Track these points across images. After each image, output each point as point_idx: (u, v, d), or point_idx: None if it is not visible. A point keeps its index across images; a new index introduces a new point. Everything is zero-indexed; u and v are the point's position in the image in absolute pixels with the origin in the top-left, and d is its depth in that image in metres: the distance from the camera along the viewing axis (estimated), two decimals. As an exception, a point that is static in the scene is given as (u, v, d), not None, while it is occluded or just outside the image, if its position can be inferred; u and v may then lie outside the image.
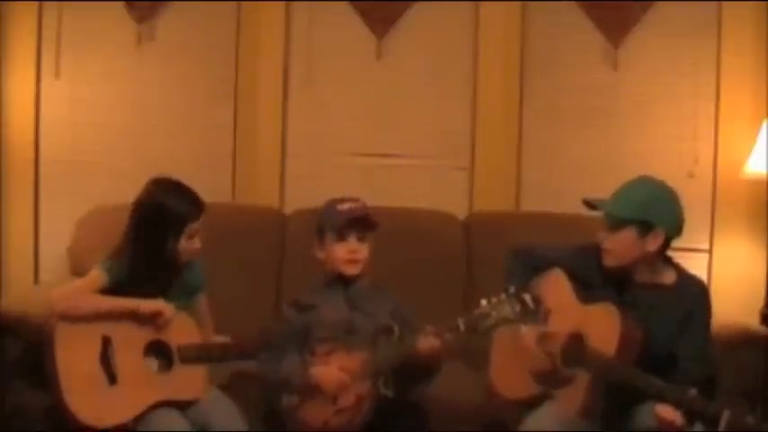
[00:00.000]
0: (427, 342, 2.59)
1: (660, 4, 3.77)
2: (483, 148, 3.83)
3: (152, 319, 2.63)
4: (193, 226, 2.68)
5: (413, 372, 2.66)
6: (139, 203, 2.69)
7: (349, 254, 2.83)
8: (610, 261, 2.60)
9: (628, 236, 2.55)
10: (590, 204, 2.64)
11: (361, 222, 2.85)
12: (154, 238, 2.65)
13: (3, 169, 3.76)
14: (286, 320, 2.83)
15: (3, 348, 2.90)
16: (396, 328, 2.67)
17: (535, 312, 2.55)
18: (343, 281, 2.85)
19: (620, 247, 2.57)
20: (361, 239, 2.84)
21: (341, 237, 2.83)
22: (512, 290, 2.55)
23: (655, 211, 2.56)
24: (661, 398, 2.34)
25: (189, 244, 2.69)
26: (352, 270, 2.84)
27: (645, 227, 2.54)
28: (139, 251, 2.66)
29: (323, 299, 2.84)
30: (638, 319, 2.50)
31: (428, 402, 2.80)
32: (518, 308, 2.53)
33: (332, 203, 2.91)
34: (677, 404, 2.31)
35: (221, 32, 3.85)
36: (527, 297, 2.53)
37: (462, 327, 2.56)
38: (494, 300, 2.55)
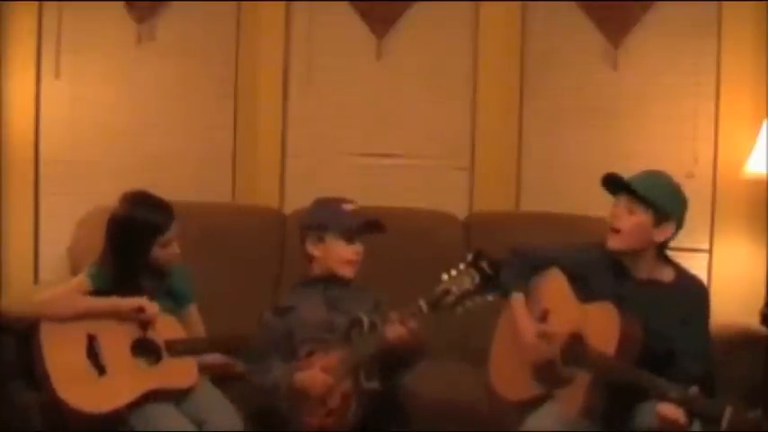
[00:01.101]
0: (393, 330, 2.56)
1: (660, 4, 3.77)
2: (483, 148, 3.83)
3: (134, 316, 2.65)
4: (165, 236, 2.71)
5: (394, 361, 2.64)
6: (112, 218, 2.74)
7: (355, 255, 2.83)
8: (615, 243, 2.58)
9: (643, 219, 2.55)
10: (613, 179, 2.61)
11: (373, 226, 2.85)
12: (127, 251, 2.70)
13: (3, 169, 3.76)
14: (267, 326, 2.82)
15: (2, 348, 2.90)
16: (365, 320, 2.65)
17: (494, 278, 2.50)
18: (324, 281, 2.85)
19: (632, 229, 2.56)
20: (350, 240, 2.86)
21: (350, 239, 2.83)
22: (469, 258, 2.53)
23: (673, 203, 2.58)
24: (663, 396, 2.34)
25: (164, 252, 2.72)
26: (350, 272, 2.84)
27: (661, 215, 2.55)
28: (117, 263, 2.71)
29: (301, 299, 2.83)
30: (637, 316, 2.50)
31: (422, 401, 2.80)
32: (477, 278, 2.49)
33: (334, 203, 2.90)
34: (679, 402, 2.31)
35: (221, 32, 3.85)
36: (484, 264, 2.50)
37: (425, 308, 2.54)
38: (453, 272, 2.53)
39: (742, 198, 3.69)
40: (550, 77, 3.85)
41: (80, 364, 2.59)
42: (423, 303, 2.54)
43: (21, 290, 3.67)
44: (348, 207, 2.87)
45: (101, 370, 2.59)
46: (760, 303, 3.54)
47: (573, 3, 3.80)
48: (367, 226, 2.85)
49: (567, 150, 3.85)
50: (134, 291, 2.69)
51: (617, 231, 2.58)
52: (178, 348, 2.66)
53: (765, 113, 3.62)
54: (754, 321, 3.46)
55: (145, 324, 2.66)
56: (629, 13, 3.76)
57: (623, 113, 3.82)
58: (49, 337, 2.60)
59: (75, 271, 3.38)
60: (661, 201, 2.56)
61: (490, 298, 2.53)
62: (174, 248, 2.74)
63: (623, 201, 2.59)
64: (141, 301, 2.66)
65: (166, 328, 2.69)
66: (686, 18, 3.76)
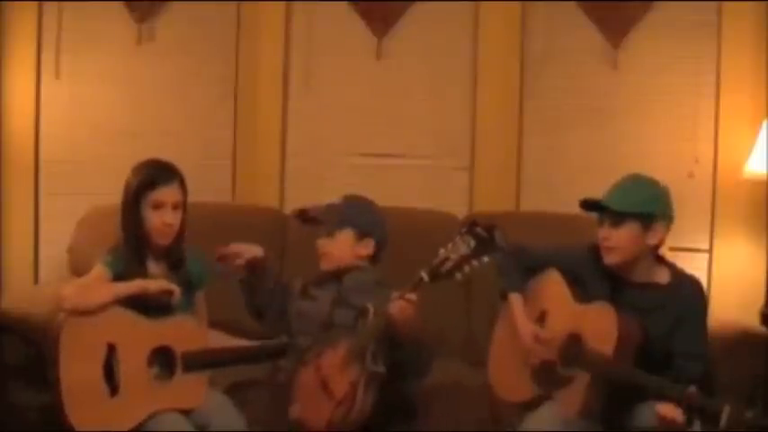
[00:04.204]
0: (396, 306, 2.57)
1: (660, 4, 3.77)
2: (483, 148, 3.83)
3: (162, 298, 2.60)
4: (155, 194, 2.64)
5: (400, 343, 2.64)
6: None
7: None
8: (612, 258, 2.58)
9: (631, 231, 2.54)
10: (589, 204, 2.62)
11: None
12: (126, 214, 2.66)
13: (3, 169, 3.76)
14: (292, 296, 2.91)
15: (2, 348, 2.90)
16: (370, 308, 2.65)
17: (490, 241, 2.53)
18: (335, 275, 2.89)
19: (623, 243, 2.55)
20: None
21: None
22: (464, 229, 2.56)
23: (655, 204, 2.57)
24: (661, 395, 2.34)
25: (157, 216, 2.64)
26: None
27: (646, 221, 2.54)
28: (123, 233, 2.66)
29: (320, 292, 2.89)
30: (635, 318, 2.50)
31: (426, 402, 2.80)
32: (473, 243, 2.53)
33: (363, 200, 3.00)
34: (677, 401, 2.31)
35: (221, 32, 3.85)
36: (478, 229, 2.54)
37: (426, 277, 2.56)
38: (449, 245, 2.56)
39: (742, 198, 3.69)
40: (550, 77, 3.85)
41: (94, 380, 2.52)
42: (423, 274, 2.57)
43: (21, 290, 3.68)
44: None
45: (113, 389, 2.53)
46: (760, 303, 3.55)
47: (573, 3, 3.80)
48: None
49: (567, 150, 3.86)
50: (140, 275, 2.64)
51: (610, 249, 2.58)
52: (194, 363, 2.62)
53: (765, 113, 3.62)
54: (754, 321, 3.46)
55: (171, 307, 2.61)
56: (629, 13, 3.76)
57: (623, 113, 3.82)
58: (68, 342, 2.52)
59: (75, 271, 3.39)
60: (641, 207, 2.54)
61: (486, 260, 2.54)
62: (168, 216, 2.65)
63: (606, 220, 2.58)
64: (170, 285, 2.61)
65: (186, 335, 2.64)
66: (686, 18, 3.77)
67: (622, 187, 2.60)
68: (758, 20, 3.70)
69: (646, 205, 2.55)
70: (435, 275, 2.56)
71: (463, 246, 2.54)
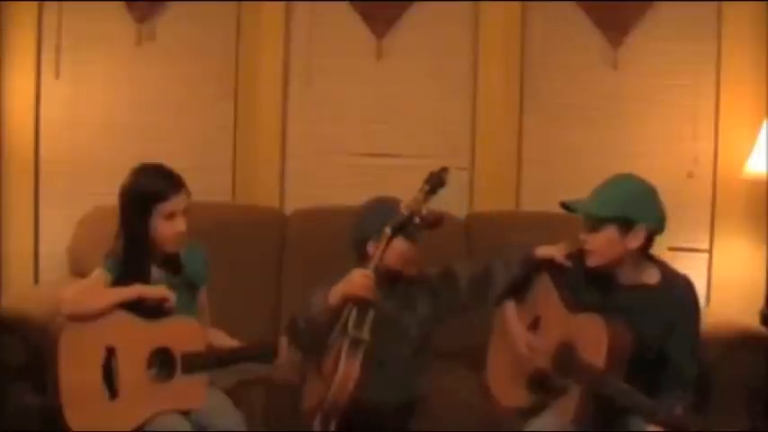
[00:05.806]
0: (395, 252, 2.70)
1: (660, 5, 3.77)
2: (483, 148, 3.83)
3: (158, 305, 2.60)
4: (168, 203, 2.64)
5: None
6: (120, 190, 2.69)
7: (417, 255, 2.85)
8: (593, 261, 2.57)
9: (608, 235, 2.52)
10: (567, 207, 2.62)
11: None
12: (132, 221, 2.64)
13: (2, 169, 3.76)
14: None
15: (2, 349, 2.90)
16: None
17: (439, 178, 2.69)
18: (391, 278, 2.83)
19: (601, 246, 2.54)
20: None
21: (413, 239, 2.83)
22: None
23: (634, 208, 2.52)
24: (650, 417, 2.32)
25: (169, 226, 2.64)
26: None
27: (625, 224, 2.51)
28: (126, 239, 2.64)
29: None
30: (625, 321, 2.48)
31: (426, 403, 2.80)
32: (426, 187, 2.68)
33: (394, 202, 2.88)
34: (665, 425, 2.29)
35: (221, 32, 3.85)
36: (432, 174, 2.70)
37: (389, 231, 2.66)
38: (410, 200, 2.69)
39: (742, 198, 3.69)
40: (550, 77, 3.85)
41: (93, 384, 2.52)
42: (387, 230, 2.67)
43: (21, 290, 3.68)
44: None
45: (113, 393, 2.54)
46: (760, 303, 3.55)
47: (573, 3, 3.81)
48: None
49: (567, 150, 3.86)
50: (143, 281, 2.64)
51: (590, 252, 2.57)
52: (194, 364, 2.61)
53: (765, 113, 3.63)
54: (754, 321, 3.46)
55: (167, 312, 2.61)
56: (629, 13, 3.76)
57: (623, 113, 3.82)
58: (67, 345, 2.53)
59: (75, 271, 3.39)
60: (617, 211, 2.51)
61: (440, 191, 2.70)
62: (180, 224, 2.65)
63: (586, 222, 2.57)
64: (166, 291, 2.61)
65: (186, 336, 2.63)
66: (686, 18, 3.77)
67: (601, 190, 2.58)
68: (758, 20, 3.70)
69: (623, 209, 2.51)
70: (396, 227, 2.66)
71: (419, 194, 2.67)
